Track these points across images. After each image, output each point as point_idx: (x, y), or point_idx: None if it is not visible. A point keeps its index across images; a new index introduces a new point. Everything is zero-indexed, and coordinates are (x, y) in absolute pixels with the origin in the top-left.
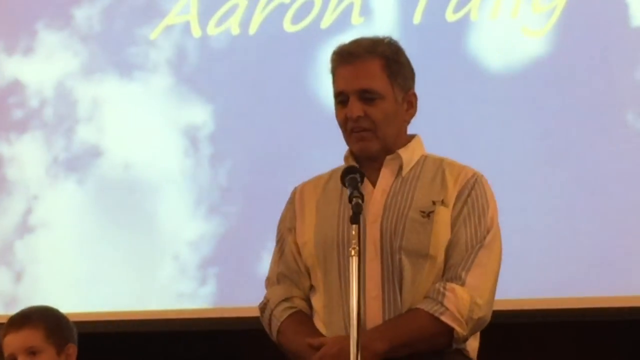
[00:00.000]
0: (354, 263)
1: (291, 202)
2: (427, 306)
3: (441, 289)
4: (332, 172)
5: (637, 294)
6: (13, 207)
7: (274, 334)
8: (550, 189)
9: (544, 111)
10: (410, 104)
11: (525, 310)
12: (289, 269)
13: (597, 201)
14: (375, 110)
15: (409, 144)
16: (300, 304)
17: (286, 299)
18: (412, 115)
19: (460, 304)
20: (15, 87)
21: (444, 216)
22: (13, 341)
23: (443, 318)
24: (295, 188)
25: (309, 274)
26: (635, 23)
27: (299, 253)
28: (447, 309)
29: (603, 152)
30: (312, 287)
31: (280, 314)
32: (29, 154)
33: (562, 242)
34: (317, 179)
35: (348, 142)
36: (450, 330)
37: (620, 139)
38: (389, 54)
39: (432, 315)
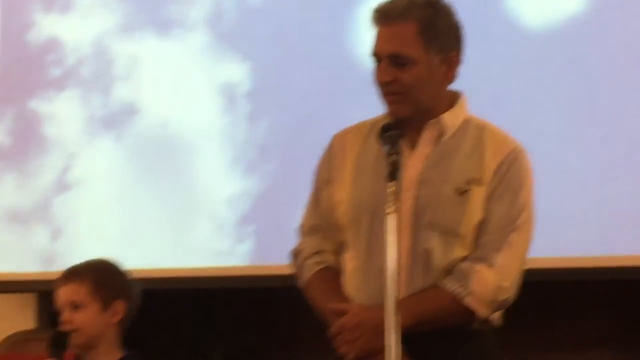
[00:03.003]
0: (391, 221)
1: (330, 150)
2: (451, 286)
3: (467, 270)
4: (374, 123)
5: None
6: (51, 164)
7: (302, 284)
8: (590, 146)
9: (582, 69)
10: (450, 66)
11: (562, 268)
12: (323, 222)
13: (636, 158)
14: (406, 76)
15: (454, 108)
16: (330, 259)
17: (317, 252)
18: (453, 77)
19: (485, 287)
20: (53, 45)
21: (478, 195)
22: (60, 295)
23: (465, 301)
24: (335, 135)
25: (342, 230)
26: None
27: (334, 208)
28: (470, 291)
29: None
30: (344, 244)
31: (310, 268)
32: (66, 111)
33: (602, 200)
34: (359, 128)
35: (382, 103)
36: (472, 312)
37: None
38: (425, 18)
39: (454, 297)
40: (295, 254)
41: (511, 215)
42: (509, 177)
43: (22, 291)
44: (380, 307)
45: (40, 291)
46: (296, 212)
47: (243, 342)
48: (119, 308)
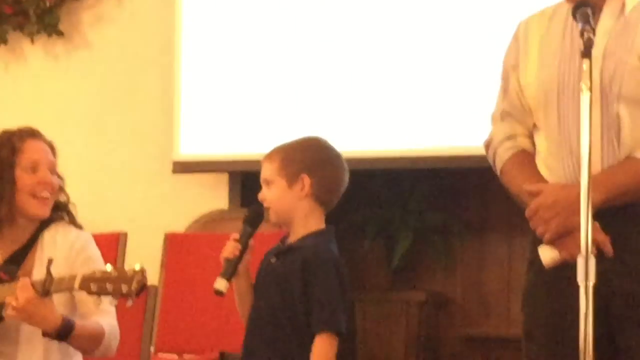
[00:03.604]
0: (584, 98)
1: (516, 37)
2: None
3: None
4: (557, 7)
5: None
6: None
7: (498, 172)
8: None
9: None
10: None
11: None
12: (513, 107)
13: None
14: None
15: None
16: (523, 142)
17: (509, 137)
18: None
19: None
20: None
21: None
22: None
23: None
24: (520, 22)
25: (533, 113)
26: None
27: (523, 92)
28: None
29: None
30: (535, 126)
31: (503, 154)
32: None
33: None
34: (542, 13)
35: None
36: None
37: None
38: None
39: None
40: (489, 142)
41: None
42: None
43: (215, 171)
44: (574, 184)
45: (233, 171)
46: (487, 96)
47: (432, 222)
48: (305, 183)
